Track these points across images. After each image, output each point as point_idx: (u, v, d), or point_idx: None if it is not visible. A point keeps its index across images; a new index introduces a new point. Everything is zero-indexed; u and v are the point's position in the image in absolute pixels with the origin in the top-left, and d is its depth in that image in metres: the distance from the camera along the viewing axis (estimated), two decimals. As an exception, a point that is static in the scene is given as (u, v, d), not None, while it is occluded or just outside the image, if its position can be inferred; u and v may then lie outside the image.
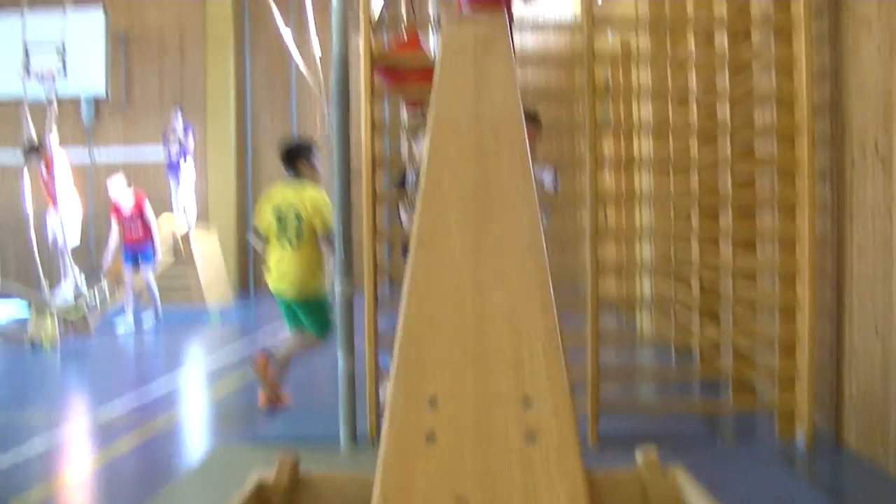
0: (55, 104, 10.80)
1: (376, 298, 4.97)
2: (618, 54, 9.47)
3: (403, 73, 5.57)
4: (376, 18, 6.55)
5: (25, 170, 10.76)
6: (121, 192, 11.55)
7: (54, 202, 10.73)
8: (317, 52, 9.26)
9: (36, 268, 10.27)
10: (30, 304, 9.90)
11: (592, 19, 5.02)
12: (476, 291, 2.21)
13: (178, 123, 13.21)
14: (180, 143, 13.35)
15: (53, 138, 10.75)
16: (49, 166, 10.70)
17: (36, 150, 10.77)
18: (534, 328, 2.02)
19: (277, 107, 17.18)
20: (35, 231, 10.45)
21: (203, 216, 16.17)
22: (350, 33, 5.64)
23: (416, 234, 2.54)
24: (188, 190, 13.49)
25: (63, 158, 11.04)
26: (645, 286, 8.56)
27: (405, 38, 5.97)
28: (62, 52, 12.11)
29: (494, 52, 4.49)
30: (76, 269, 10.70)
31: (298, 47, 10.44)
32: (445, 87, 3.90)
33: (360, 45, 5.29)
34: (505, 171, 3.00)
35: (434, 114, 3.54)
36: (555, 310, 2.10)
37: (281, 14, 10.27)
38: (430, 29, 7.23)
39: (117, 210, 11.51)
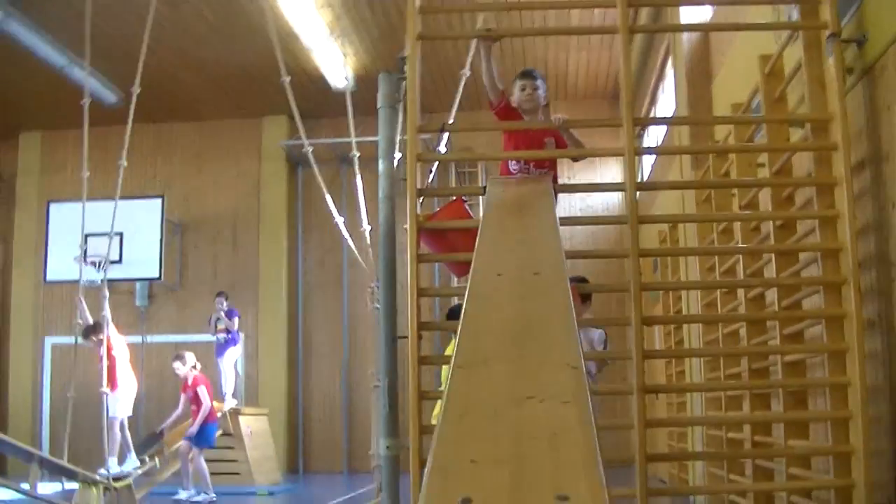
0: (106, 289, 11.06)
1: (422, 456, 4.96)
2: (664, 224, 9.69)
3: (450, 239, 5.71)
4: (426, 186, 6.82)
5: (75, 351, 11.03)
6: (187, 370, 11.91)
7: (112, 382, 10.94)
8: (366, 226, 9.55)
9: (85, 443, 10.38)
10: (77, 477, 9.98)
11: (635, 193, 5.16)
12: (514, 406, 2.26)
13: (222, 310, 13.66)
14: (227, 330, 13.74)
15: (109, 320, 11.06)
16: (108, 347, 10.98)
17: (93, 330, 11.09)
18: (572, 435, 2.06)
19: (329, 287, 17.57)
20: (90, 408, 10.62)
21: (254, 397, 16.32)
22: (397, 201, 5.87)
23: (455, 360, 2.61)
24: (234, 370, 13.79)
25: (120, 339, 11.37)
26: (696, 442, 8.52)
27: (452, 203, 6.16)
28: (119, 241, 12.60)
29: (537, 208, 4.67)
30: (130, 442, 10.91)
31: (349, 226, 10.75)
32: (488, 236, 4.06)
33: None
34: (546, 305, 3.09)
35: (476, 258, 3.67)
36: (593, 422, 2.15)
37: (332, 195, 10.60)
38: (480, 199, 7.48)
39: (185, 385, 11.90)
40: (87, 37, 10.63)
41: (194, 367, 12.03)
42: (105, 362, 10.50)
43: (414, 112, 5.28)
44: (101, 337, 11.01)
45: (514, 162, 5.61)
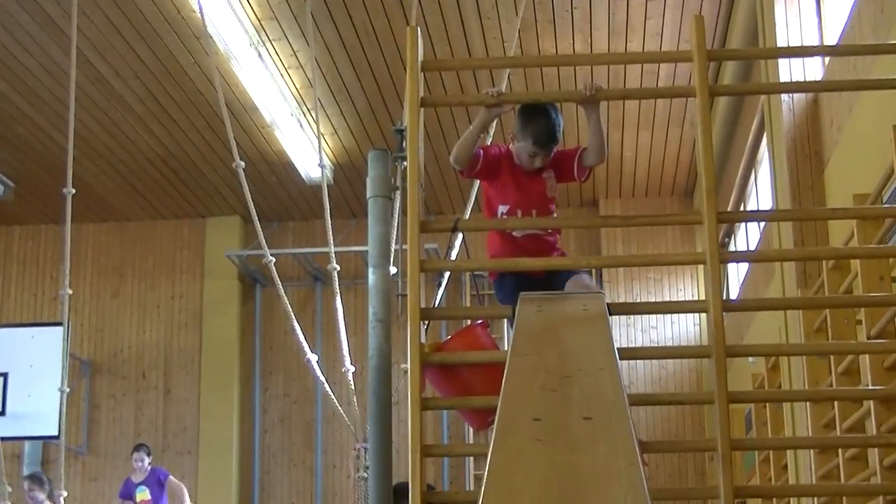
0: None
1: None
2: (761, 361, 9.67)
3: (466, 377, 5.68)
4: (432, 305, 6.81)
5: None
6: None
7: None
8: (349, 366, 9.52)
9: None
10: None
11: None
12: None
13: (143, 471, 13.43)
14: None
15: None
16: None
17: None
18: None
19: (297, 452, 17.44)
20: None
21: None
22: (393, 326, 5.85)
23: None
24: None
25: None
26: None
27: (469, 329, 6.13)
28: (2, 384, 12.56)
29: (588, 332, 4.66)
30: None
31: (325, 367, 10.74)
32: (520, 371, 4.04)
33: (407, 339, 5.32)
34: (602, 458, 3.05)
35: (504, 399, 3.65)
36: None
37: (302, 324, 10.57)
38: (505, 323, 7.47)
39: None
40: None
41: None
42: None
43: (416, 201, 5.29)
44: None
45: (503, 206, 5.67)
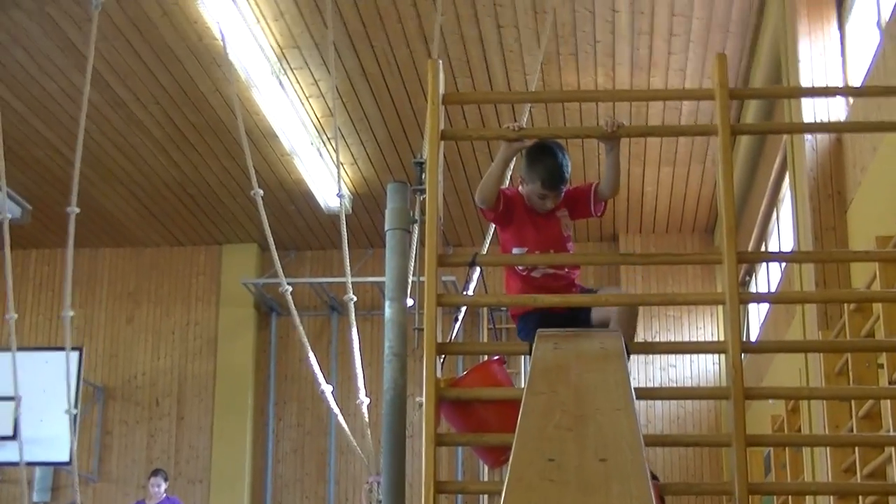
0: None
1: None
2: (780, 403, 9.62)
3: (481, 413, 5.65)
4: (449, 340, 6.78)
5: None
6: None
7: None
8: (363, 398, 9.49)
9: None
10: None
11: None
12: None
13: (157, 497, 13.43)
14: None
15: None
16: None
17: None
18: None
19: (310, 483, 17.40)
20: None
21: None
22: (409, 360, 5.83)
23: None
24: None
25: None
26: None
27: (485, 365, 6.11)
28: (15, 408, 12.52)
29: (604, 370, 4.64)
30: None
31: (340, 398, 10.70)
32: (535, 410, 4.01)
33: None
34: (615, 503, 3.03)
35: (519, 438, 3.62)
36: None
37: (317, 354, 10.55)
38: (522, 360, 7.46)
39: None
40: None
41: None
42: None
43: (434, 235, 5.28)
44: None
45: (518, 249, 5.66)
